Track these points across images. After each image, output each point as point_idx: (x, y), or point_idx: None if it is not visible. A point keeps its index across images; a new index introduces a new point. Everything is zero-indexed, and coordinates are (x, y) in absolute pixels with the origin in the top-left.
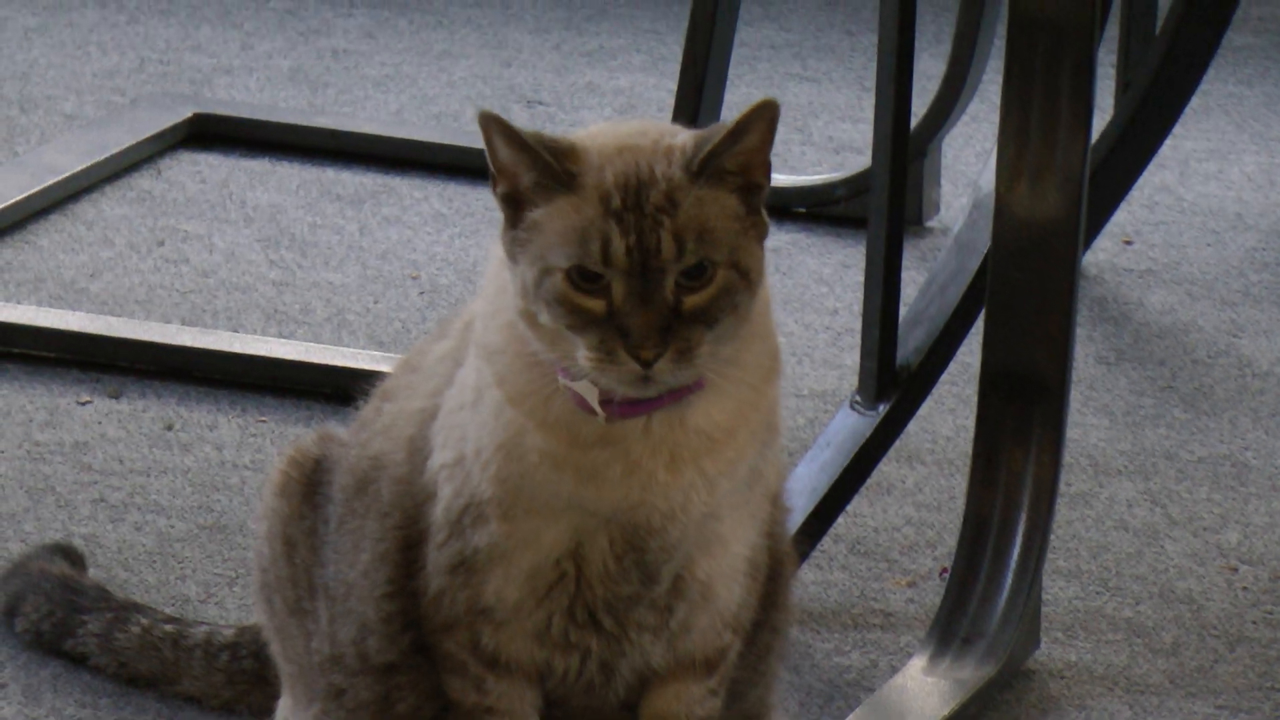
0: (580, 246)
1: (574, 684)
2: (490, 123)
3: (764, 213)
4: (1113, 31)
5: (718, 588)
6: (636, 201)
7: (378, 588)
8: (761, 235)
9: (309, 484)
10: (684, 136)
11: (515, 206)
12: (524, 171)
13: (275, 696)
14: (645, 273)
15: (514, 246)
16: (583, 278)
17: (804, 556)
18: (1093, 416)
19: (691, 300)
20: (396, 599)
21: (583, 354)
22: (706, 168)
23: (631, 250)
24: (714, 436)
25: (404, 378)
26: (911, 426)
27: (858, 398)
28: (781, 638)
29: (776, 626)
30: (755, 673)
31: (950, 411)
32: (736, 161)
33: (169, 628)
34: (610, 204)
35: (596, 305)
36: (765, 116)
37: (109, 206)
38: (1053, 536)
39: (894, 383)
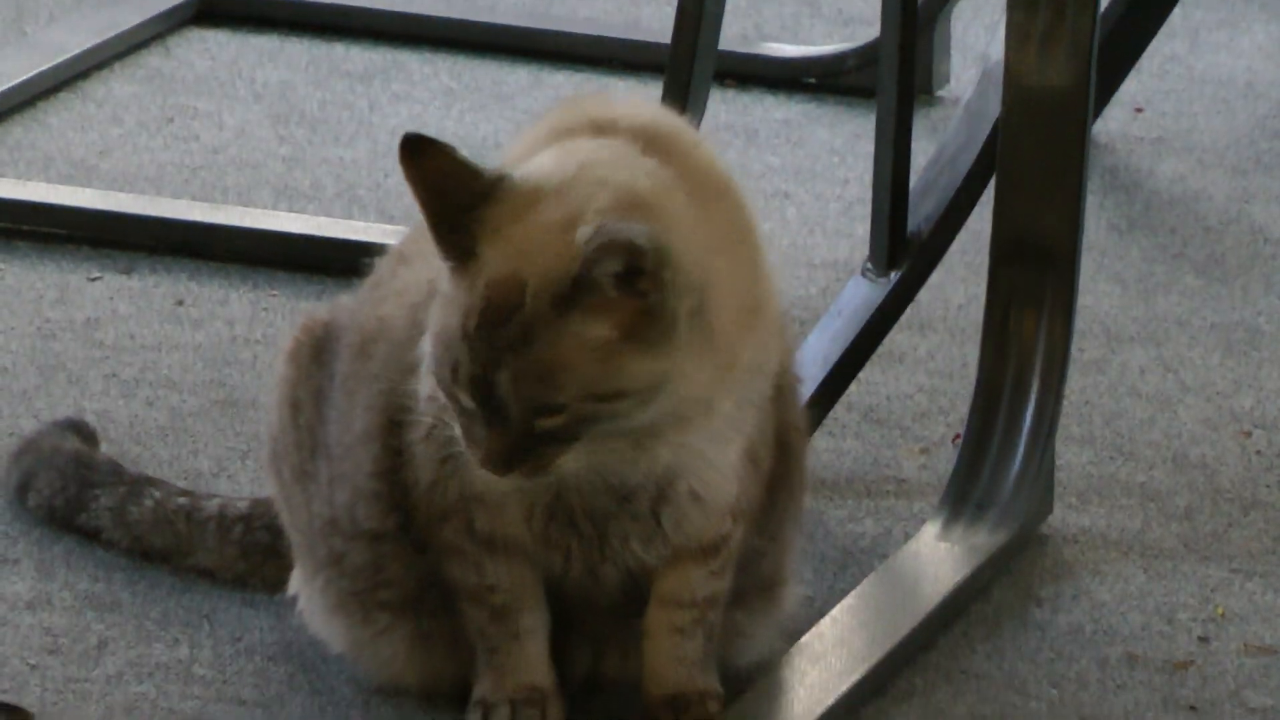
0: (442, 357)
1: (563, 579)
2: (405, 160)
3: (690, 307)
4: None
5: (708, 491)
6: (489, 330)
7: (366, 464)
8: (666, 333)
9: (317, 346)
10: (591, 227)
11: None
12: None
13: (289, 569)
14: (490, 401)
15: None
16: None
17: (816, 425)
18: (1105, 284)
19: (544, 424)
20: (383, 479)
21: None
22: (577, 300)
23: (476, 380)
24: (682, 414)
25: (420, 243)
26: (923, 295)
27: (869, 266)
28: (796, 505)
29: (793, 490)
30: (772, 541)
31: (962, 280)
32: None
33: (182, 501)
34: (468, 323)
35: (464, 400)
36: (655, 261)
37: (118, 85)
38: (1065, 403)
39: (905, 251)
